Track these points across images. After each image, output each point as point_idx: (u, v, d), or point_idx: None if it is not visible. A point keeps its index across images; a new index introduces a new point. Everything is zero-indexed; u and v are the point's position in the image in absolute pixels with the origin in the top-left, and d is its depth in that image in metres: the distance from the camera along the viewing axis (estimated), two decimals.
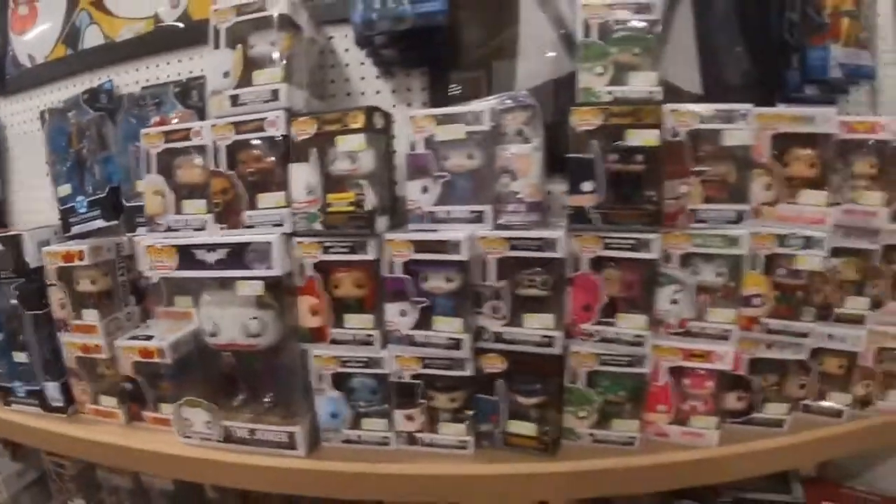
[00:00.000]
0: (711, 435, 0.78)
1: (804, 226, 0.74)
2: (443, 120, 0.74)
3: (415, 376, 0.76)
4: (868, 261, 0.84)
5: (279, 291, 0.77)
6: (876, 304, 0.86)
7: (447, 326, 0.73)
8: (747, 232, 0.73)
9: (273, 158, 0.77)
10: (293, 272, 0.77)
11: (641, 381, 0.76)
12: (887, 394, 0.87)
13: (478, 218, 0.73)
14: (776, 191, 0.75)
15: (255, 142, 0.77)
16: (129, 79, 1.01)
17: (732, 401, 0.81)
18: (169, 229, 0.82)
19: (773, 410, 0.81)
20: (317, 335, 0.77)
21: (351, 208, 0.73)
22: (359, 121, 0.72)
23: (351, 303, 0.77)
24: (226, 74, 0.79)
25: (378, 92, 0.90)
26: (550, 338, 0.72)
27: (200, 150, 0.80)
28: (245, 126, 0.77)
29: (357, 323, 0.76)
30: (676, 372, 0.77)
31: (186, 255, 0.78)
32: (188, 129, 0.81)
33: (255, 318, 0.77)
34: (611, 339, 0.74)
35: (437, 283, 0.73)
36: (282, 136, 0.76)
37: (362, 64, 0.90)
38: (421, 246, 0.72)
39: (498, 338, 0.74)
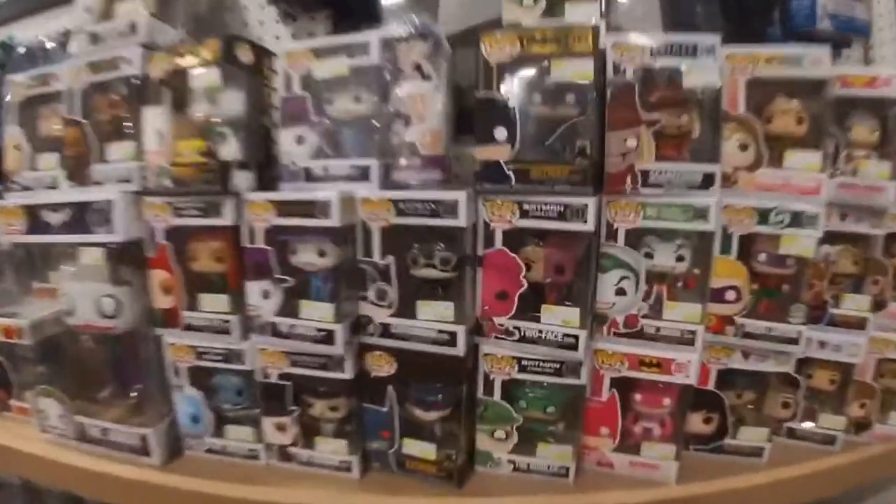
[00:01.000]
0: (669, 467, 0.50)
1: (792, 196, 0.48)
2: (322, 52, 0.49)
3: (283, 376, 0.50)
4: (868, 250, 0.56)
5: (133, 264, 0.52)
6: (876, 306, 0.58)
7: (316, 313, 0.47)
8: (717, 200, 0.46)
9: (130, 103, 0.53)
10: (145, 240, 0.52)
11: (577, 394, 0.49)
12: (888, 416, 0.59)
13: (362, 175, 0.47)
14: (755, 152, 0.49)
15: (110, 84, 0.54)
16: (32, 33, 0.79)
17: (697, 423, 0.54)
18: (25, 188, 0.59)
19: (750, 436, 0.54)
20: (169, 318, 0.52)
21: (201, 159, 0.48)
22: (212, 51, 0.48)
23: (212, 280, 0.51)
24: (88, 10, 0.56)
25: (277, 38, 0.65)
26: (451, 334, 0.46)
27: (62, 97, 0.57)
28: (101, 66, 0.53)
29: (212, 305, 0.50)
30: (624, 385, 0.50)
31: (33, 217, 0.54)
32: (48, 75, 0.58)
33: (109, 295, 0.52)
34: (534, 339, 0.47)
35: (308, 256, 0.47)
36: (140, 76, 0.52)
37: (263, 8, 0.65)
38: (285, 208, 0.47)
39: (385, 331, 0.48)
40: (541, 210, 0.45)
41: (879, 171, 0.53)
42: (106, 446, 0.56)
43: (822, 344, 0.55)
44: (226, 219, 0.49)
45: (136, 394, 0.57)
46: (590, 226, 0.44)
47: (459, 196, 0.44)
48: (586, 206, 0.44)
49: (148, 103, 0.51)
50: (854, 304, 0.55)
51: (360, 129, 0.48)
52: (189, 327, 0.51)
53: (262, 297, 0.49)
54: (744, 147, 0.49)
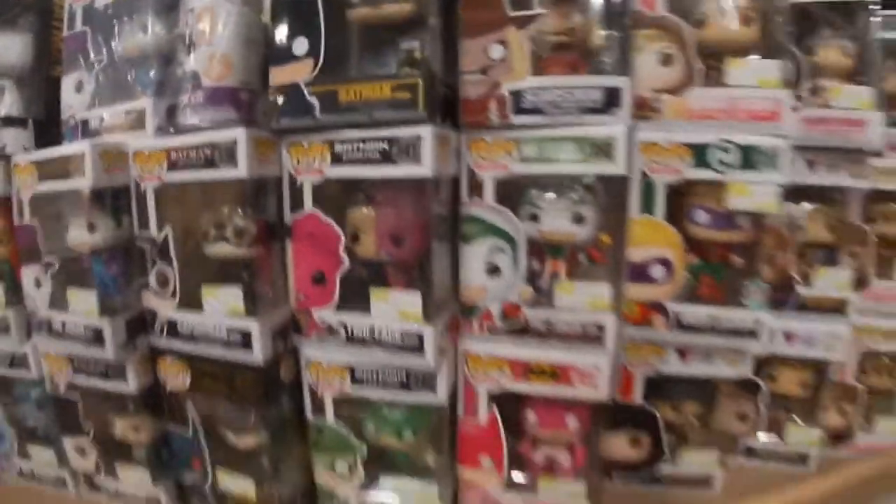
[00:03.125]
0: None
1: (741, 125, 0.24)
2: None
3: (71, 387, 0.28)
4: (844, 211, 0.32)
5: None
6: (855, 285, 0.34)
7: (82, 305, 0.25)
8: (627, 128, 0.22)
9: None
10: None
11: (438, 414, 0.25)
12: (874, 423, 0.33)
13: (137, 121, 0.26)
14: (684, 66, 0.24)
15: None
16: None
17: (622, 447, 0.29)
18: None
19: (695, 461, 0.29)
20: None
21: None
22: None
23: None
24: None
25: None
26: (243, 333, 0.23)
27: None
28: None
29: None
30: (512, 400, 0.26)
31: None
32: None
33: None
34: (364, 339, 0.24)
35: (78, 232, 0.26)
36: None
37: None
38: (46, 170, 0.25)
39: (172, 330, 0.25)
40: (358, 150, 0.22)
41: (859, 99, 0.30)
42: None
43: (789, 336, 0.30)
44: None
45: None
46: (426, 168, 0.21)
47: (237, 134, 0.22)
48: (419, 138, 0.21)
49: None
50: (830, 282, 0.30)
51: (143, 66, 0.26)
52: None
53: (34, 285, 0.27)
54: (667, 60, 0.24)
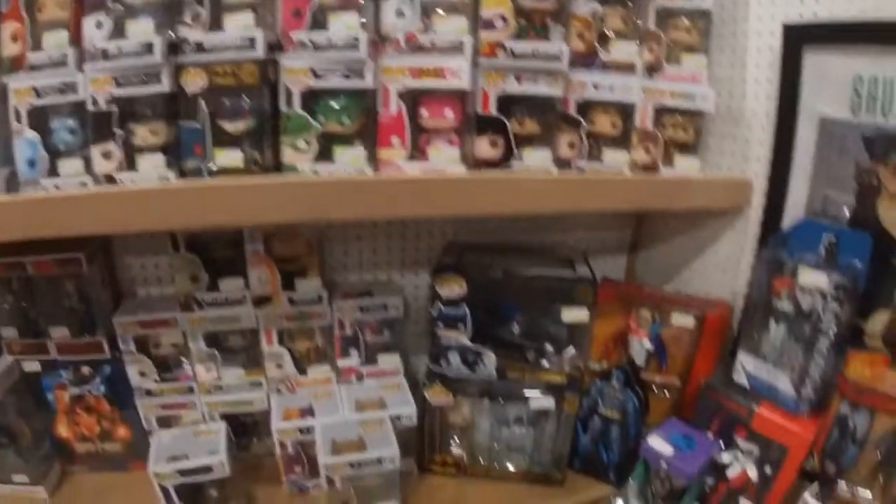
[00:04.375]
0: (457, 172, 0.64)
1: None
2: None
3: (109, 102, 0.62)
4: (639, 15, 0.73)
5: None
6: (652, 70, 0.74)
7: (139, 30, 0.61)
8: None
9: None
10: None
11: (367, 102, 0.63)
12: (675, 160, 0.73)
13: None
14: None
15: None
16: None
17: (485, 148, 0.67)
18: None
19: (535, 157, 0.67)
20: (15, 63, 0.64)
21: None
22: None
23: (57, 25, 0.63)
24: None
25: None
26: (251, 39, 0.60)
27: None
28: None
29: (54, 42, 0.63)
30: (411, 101, 0.64)
31: None
32: None
33: None
34: (324, 46, 0.61)
35: None
36: None
37: None
38: None
39: (199, 48, 0.61)
40: None
41: None
42: None
43: (597, 86, 0.70)
44: None
45: None
46: None
47: None
48: None
49: None
50: (622, 50, 0.71)
51: None
52: (32, 68, 0.63)
53: (96, 27, 0.62)
54: None
